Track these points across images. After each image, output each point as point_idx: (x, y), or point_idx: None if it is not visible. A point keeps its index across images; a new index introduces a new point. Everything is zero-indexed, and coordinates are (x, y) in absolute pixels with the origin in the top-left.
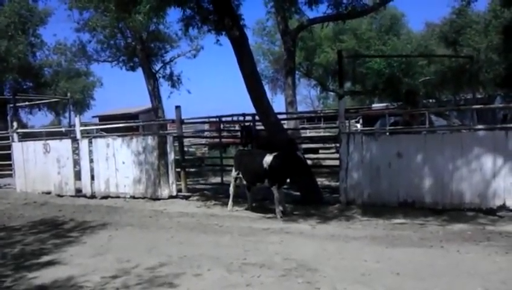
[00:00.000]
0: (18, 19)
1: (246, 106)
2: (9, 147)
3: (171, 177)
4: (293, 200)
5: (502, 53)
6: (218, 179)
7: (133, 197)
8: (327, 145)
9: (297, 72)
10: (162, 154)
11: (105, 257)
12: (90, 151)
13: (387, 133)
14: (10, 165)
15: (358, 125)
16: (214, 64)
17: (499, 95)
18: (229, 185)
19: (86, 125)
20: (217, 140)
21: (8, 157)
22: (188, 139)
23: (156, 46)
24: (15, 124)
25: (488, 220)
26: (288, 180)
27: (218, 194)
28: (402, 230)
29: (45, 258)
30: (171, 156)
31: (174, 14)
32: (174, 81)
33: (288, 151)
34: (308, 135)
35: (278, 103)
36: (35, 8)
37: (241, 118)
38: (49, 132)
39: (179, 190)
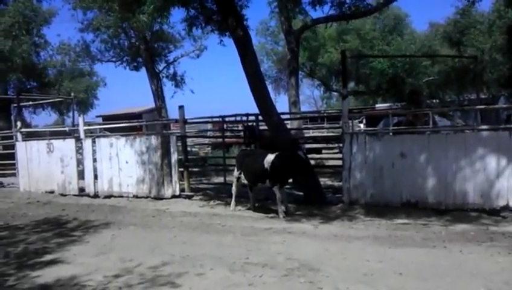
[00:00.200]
0: (22, 18)
1: (249, 105)
2: (13, 147)
3: (174, 176)
4: (295, 200)
5: (506, 53)
6: (221, 179)
7: (136, 197)
8: (330, 145)
9: (300, 72)
10: (165, 154)
11: (108, 256)
12: (94, 151)
13: (391, 133)
14: (14, 164)
15: (362, 126)
16: (217, 64)
17: (502, 95)
18: (231, 184)
19: (89, 125)
20: (220, 140)
21: (12, 156)
22: (191, 139)
23: (159, 46)
24: (19, 123)
25: (491, 221)
26: (290, 180)
27: (221, 194)
28: (405, 230)
29: (48, 257)
30: (174, 156)
31: (177, 14)
32: (178, 81)
33: (289, 151)
34: (311, 135)
35: (281, 102)
36: (39, 8)
37: (244, 118)
38: (53, 131)
39: (182, 190)
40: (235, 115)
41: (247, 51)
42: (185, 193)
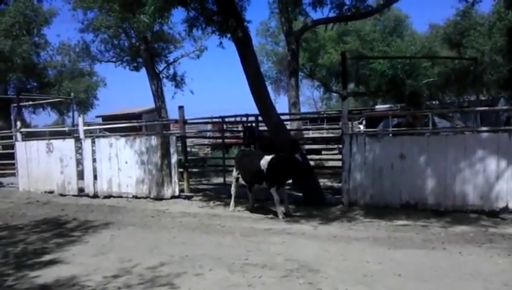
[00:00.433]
0: (23, 18)
1: (249, 106)
2: (12, 146)
3: (174, 177)
4: (295, 200)
5: (506, 55)
6: (220, 180)
7: (136, 197)
8: (330, 146)
9: (300, 73)
10: (165, 154)
11: (107, 256)
12: (93, 151)
13: (390, 135)
14: (13, 164)
15: (361, 127)
16: (217, 64)
17: (502, 97)
18: (231, 185)
19: (89, 125)
20: (220, 140)
21: (11, 156)
22: (191, 140)
23: (159, 47)
24: (18, 123)
25: (491, 222)
26: (289, 181)
27: (220, 195)
28: (404, 231)
29: (47, 257)
30: (174, 156)
31: (178, 15)
32: (178, 81)
33: (289, 152)
34: (311, 135)
35: (281, 103)
36: (40, 8)
37: (244, 119)
38: (53, 131)
39: (182, 190)
40: (235, 116)
41: (247, 51)
42: (185, 194)
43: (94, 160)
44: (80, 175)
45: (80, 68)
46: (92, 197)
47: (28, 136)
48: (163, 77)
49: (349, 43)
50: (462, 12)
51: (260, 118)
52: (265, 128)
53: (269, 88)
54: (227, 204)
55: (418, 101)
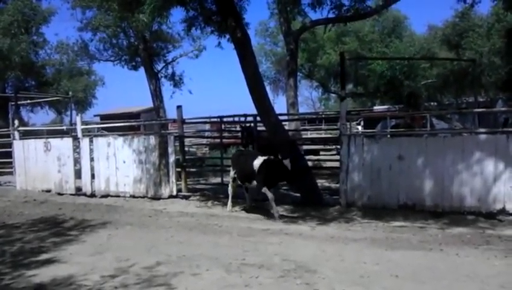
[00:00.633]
0: (21, 17)
1: (247, 106)
2: (10, 145)
3: (172, 177)
4: (292, 201)
5: (504, 56)
6: (218, 180)
7: (133, 197)
8: (328, 147)
9: (299, 73)
10: (163, 154)
11: (104, 255)
12: (91, 150)
13: (388, 136)
14: (11, 162)
15: (360, 127)
16: (216, 64)
17: (500, 98)
18: (228, 185)
19: (87, 124)
20: (218, 140)
21: (9, 155)
22: (189, 139)
23: (158, 46)
24: (16, 122)
25: (488, 224)
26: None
27: (218, 195)
28: (402, 233)
29: (44, 257)
30: (172, 156)
31: (177, 14)
32: (176, 81)
33: (282, 155)
34: (309, 136)
35: (279, 104)
36: (38, 7)
37: (242, 119)
38: (50, 130)
39: (179, 190)
40: (233, 116)
41: (246, 51)
42: (182, 193)
43: (92, 159)
44: (78, 174)
45: (78, 67)
46: (89, 196)
47: (26, 135)
48: (161, 77)
49: (348, 44)
50: (460, 14)
51: (258, 118)
52: (263, 128)
53: (268, 88)
54: (224, 204)
55: (416, 102)
